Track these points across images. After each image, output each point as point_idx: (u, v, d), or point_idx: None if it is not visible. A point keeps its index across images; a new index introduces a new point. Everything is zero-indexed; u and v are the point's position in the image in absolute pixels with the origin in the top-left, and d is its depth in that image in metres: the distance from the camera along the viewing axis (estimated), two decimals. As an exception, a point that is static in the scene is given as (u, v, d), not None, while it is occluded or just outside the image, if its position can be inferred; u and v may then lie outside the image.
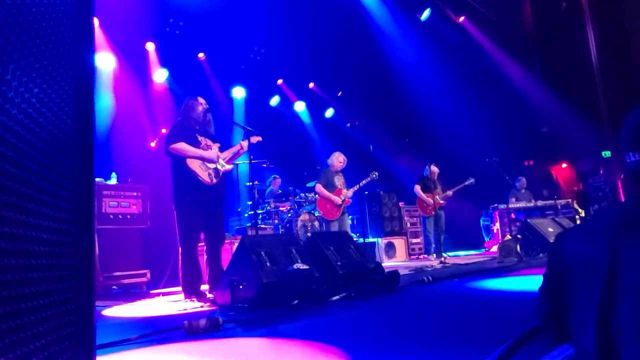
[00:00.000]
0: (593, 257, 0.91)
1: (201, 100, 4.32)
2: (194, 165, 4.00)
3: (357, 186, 6.79)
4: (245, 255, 3.47)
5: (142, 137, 7.90)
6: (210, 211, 4.08)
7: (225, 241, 4.89)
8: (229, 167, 4.34)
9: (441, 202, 8.08)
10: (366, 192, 8.52)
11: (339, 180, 6.67)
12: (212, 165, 4.13)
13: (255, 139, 4.36)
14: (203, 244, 4.34)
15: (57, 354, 0.99)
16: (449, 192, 8.21)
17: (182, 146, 3.99)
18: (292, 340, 2.21)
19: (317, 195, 6.97)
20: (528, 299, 2.96)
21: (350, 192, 6.66)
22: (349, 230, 6.60)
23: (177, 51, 8.49)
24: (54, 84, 1.04)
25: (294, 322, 2.69)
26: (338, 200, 6.51)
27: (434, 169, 8.11)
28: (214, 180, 4.09)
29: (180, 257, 4.02)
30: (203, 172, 4.02)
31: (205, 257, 4.28)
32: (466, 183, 8.24)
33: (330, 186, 6.58)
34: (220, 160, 4.22)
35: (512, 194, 9.14)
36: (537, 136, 11.54)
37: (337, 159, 6.76)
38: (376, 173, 7.01)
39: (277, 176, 8.52)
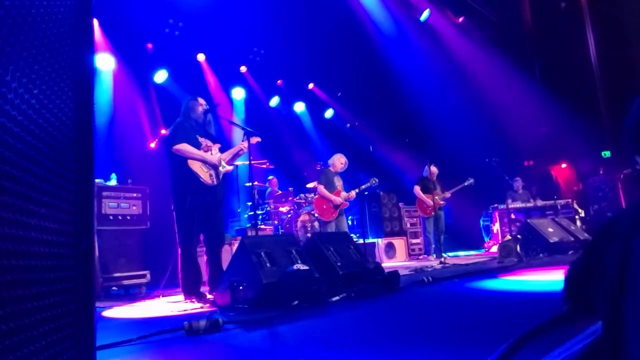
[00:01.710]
0: None
1: (201, 101, 4.32)
2: (195, 166, 4.00)
3: (357, 190, 6.76)
4: (245, 256, 3.46)
5: (142, 138, 7.89)
6: (210, 212, 4.08)
7: (225, 242, 4.89)
8: (229, 168, 4.34)
9: (441, 202, 8.08)
10: (366, 193, 8.51)
11: (338, 181, 6.65)
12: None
13: (255, 140, 4.36)
14: (202, 245, 4.34)
15: (58, 354, 0.99)
16: (448, 193, 8.21)
17: (186, 147, 3.99)
18: (292, 341, 2.20)
19: (313, 196, 6.95)
20: (528, 299, 2.96)
21: (349, 195, 6.61)
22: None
23: (176, 52, 8.50)
24: (53, 85, 1.04)
25: (294, 322, 2.69)
26: (339, 200, 6.48)
27: (434, 169, 8.11)
28: (215, 181, 4.08)
29: (180, 258, 4.02)
30: (204, 173, 4.02)
31: (204, 258, 4.28)
32: (465, 183, 8.24)
33: (330, 186, 6.55)
34: (222, 162, 4.23)
35: (509, 195, 9.15)
36: (536, 136, 11.54)
37: (339, 160, 6.72)
38: (376, 179, 6.96)
39: (273, 176, 8.52)
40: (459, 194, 8.41)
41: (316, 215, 6.79)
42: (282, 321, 2.73)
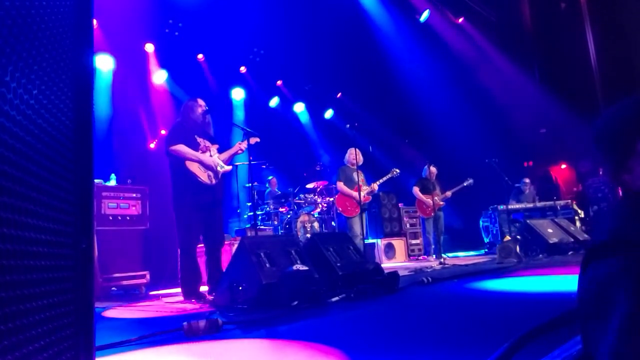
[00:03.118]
0: None
1: (201, 101, 4.32)
2: (194, 166, 4.01)
3: (378, 182, 6.66)
4: (245, 257, 3.46)
5: (142, 139, 7.90)
6: (209, 212, 4.08)
7: (225, 242, 4.89)
8: (228, 167, 4.34)
9: (440, 203, 8.07)
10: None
11: (358, 176, 6.54)
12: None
13: (254, 140, 4.37)
14: (202, 245, 4.34)
15: (57, 355, 0.99)
16: (448, 193, 8.21)
17: (182, 148, 4.00)
18: (292, 342, 2.20)
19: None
20: (528, 299, 2.96)
21: (371, 188, 6.40)
22: (361, 229, 6.40)
23: (176, 52, 8.50)
24: (53, 85, 1.04)
25: (293, 323, 2.68)
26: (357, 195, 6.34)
27: (433, 169, 8.11)
28: (214, 181, 4.09)
29: (179, 258, 4.02)
30: (202, 173, 4.03)
31: (204, 258, 4.28)
32: (465, 184, 8.24)
33: (350, 182, 6.41)
34: (220, 162, 4.23)
35: (513, 196, 9.14)
36: (536, 137, 11.55)
37: (351, 154, 6.56)
38: (397, 170, 6.87)
39: (273, 177, 8.53)
40: (459, 195, 8.40)
41: (339, 211, 6.64)
42: (281, 321, 2.73)
